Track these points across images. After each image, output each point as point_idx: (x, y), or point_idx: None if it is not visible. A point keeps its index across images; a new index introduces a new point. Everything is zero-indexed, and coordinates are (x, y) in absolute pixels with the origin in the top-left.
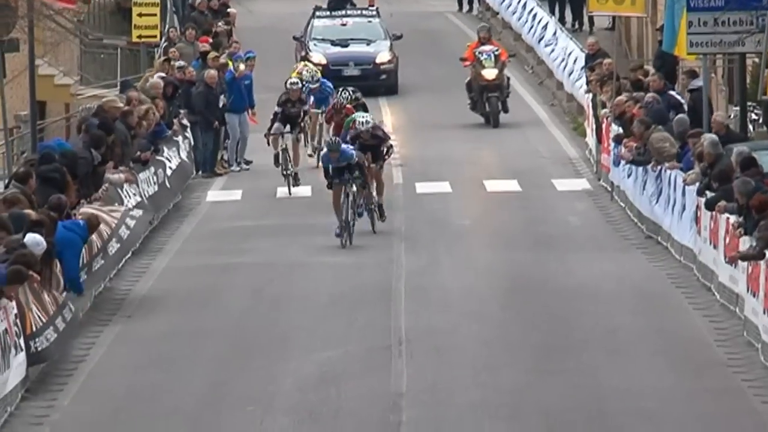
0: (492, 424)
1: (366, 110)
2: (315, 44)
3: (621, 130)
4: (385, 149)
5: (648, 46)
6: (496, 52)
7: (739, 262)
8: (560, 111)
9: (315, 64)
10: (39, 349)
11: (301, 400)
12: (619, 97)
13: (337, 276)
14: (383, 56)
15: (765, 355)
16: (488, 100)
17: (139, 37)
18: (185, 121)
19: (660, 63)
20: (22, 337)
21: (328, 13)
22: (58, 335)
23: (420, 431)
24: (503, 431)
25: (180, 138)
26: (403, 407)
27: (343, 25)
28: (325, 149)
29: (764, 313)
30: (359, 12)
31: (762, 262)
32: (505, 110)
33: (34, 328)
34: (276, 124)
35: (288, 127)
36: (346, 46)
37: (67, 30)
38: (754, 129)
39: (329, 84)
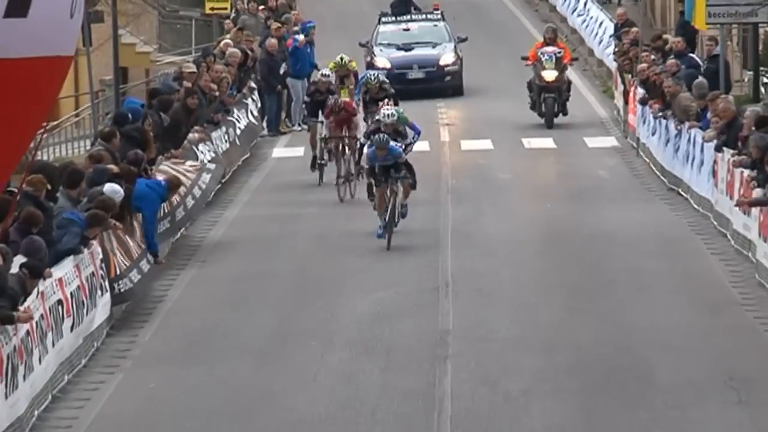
0: (529, 357)
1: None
2: (380, 49)
3: (645, 93)
4: (404, 146)
5: (671, 17)
6: (559, 54)
7: (753, 210)
8: (591, 75)
9: (380, 69)
10: (122, 290)
11: (357, 336)
12: (642, 64)
13: None
14: (447, 58)
15: None
16: (545, 101)
17: (212, 9)
18: (253, 85)
19: (682, 32)
20: (107, 280)
21: (393, 18)
22: (141, 277)
23: (464, 364)
24: (539, 363)
25: (249, 101)
26: (449, 342)
27: (407, 30)
28: (370, 147)
29: None
30: (424, 16)
31: None
32: (564, 113)
33: (117, 272)
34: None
35: (321, 116)
36: (411, 49)
37: (146, 2)
38: (765, 91)
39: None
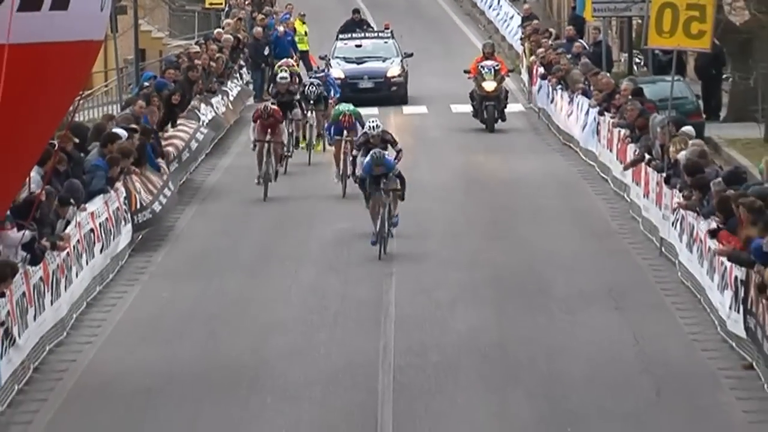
0: (456, 273)
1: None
2: (337, 62)
3: (545, 71)
4: (396, 152)
5: (565, 11)
6: (497, 67)
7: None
8: (504, 56)
9: (335, 78)
10: (141, 221)
11: (322, 257)
12: (540, 48)
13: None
14: (394, 71)
15: (644, 226)
16: (486, 108)
17: (210, 4)
18: (242, 63)
19: (573, 22)
20: (129, 213)
21: (349, 36)
22: (162, 208)
23: (406, 278)
24: (463, 278)
25: (239, 75)
26: (394, 262)
27: (359, 46)
28: (368, 161)
29: (644, 197)
30: (376, 34)
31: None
32: (503, 119)
33: (138, 206)
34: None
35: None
36: (363, 63)
37: None
38: (637, 69)
39: (332, 76)
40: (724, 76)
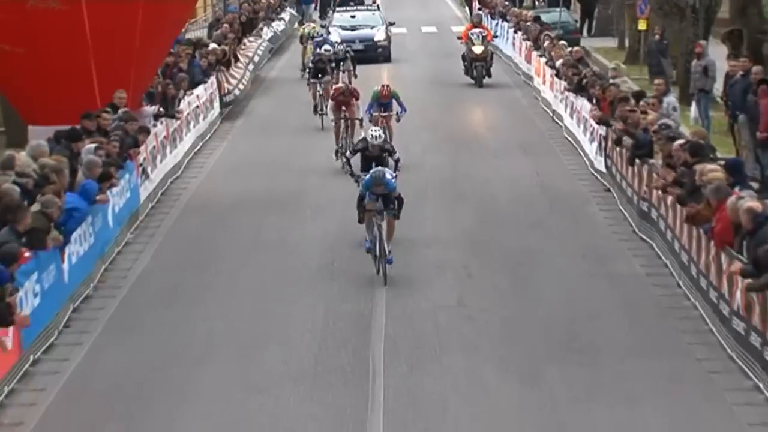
0: (426, 133)
1: (354, 63)
2: (335, 29)
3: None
4: (395, 164)
5: None
6: (483, 34)
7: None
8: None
9: (334, 41)
10: (227, 100)
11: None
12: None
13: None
14: (379, 36)
15: (543, 103)
16: (475, 68)
17: None
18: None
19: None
20: (218, 95)
21: (344, 9)
22: (240, 93)
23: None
24: (431, 136)
25: (287, 10)
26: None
27: (353, 16)
28: (367, 180)
29: (542, 84)
30: (366, 7)
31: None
32: (489, 75)
33: (225, 91)
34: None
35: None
36: (355, 30)
37: None
38: (537, 3)
39: (330, 40)
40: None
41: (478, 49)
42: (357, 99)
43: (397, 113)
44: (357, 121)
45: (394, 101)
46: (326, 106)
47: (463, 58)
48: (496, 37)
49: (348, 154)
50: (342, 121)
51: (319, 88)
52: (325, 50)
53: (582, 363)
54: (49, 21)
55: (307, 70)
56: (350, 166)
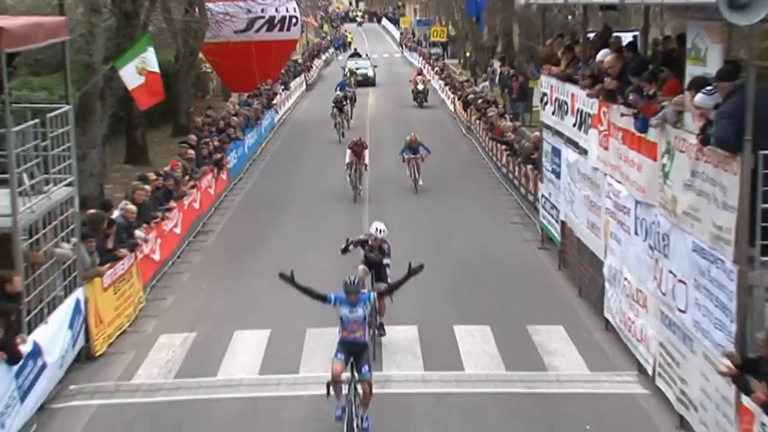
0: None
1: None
2: (348, 69)
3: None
4: (385, 265)
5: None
6: (423, 80)
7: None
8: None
9: (350, 71)
10: (308, 83)
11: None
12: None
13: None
14: (370, 73)
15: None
16: (417, 97)
17: None
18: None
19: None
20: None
21: (353, 58)
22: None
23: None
24: (395, 92)
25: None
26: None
27: (357, 62)
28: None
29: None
30: (364, 57)
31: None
32: (426, 101)
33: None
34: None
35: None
36: (358, 70)
37: None
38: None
39: (344, 83)
40: None
41: (420, 87)
42: (366, 148)
43: (422, 155)
44: (364, 166)
45: (420, 147)
46: (343, 129)
47: (412, 91)
48: (431, 79)
49: (351, 247)
50: (354, 164)
51: (338, 118)
52: (347, 91)
53: None
54: (238, 49)
55: (332, 106)
56: (346, 247)
